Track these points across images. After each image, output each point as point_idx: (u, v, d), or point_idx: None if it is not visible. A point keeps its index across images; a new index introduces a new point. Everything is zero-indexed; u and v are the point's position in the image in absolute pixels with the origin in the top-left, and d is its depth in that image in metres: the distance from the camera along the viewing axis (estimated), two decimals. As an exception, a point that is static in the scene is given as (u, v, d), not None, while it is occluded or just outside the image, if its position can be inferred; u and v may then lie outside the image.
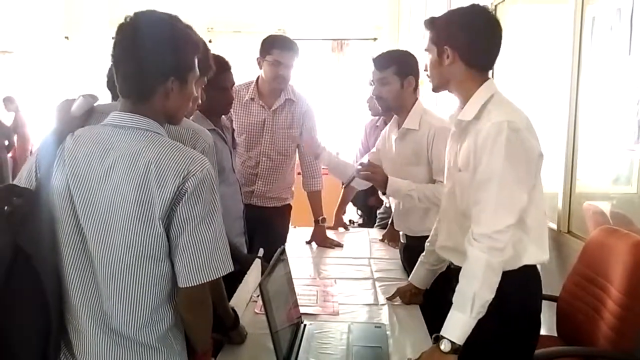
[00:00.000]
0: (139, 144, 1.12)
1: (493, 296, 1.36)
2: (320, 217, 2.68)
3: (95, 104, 1.37)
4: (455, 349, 1.34)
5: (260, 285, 1.27)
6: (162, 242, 1.11)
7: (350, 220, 4.53)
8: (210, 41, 6.01)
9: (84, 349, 1.14)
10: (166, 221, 1.10)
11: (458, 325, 1.36)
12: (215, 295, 1.41)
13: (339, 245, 2.61)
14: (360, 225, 3.93)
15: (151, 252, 1.11)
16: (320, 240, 2.63)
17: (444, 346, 1.34)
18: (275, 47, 2.46)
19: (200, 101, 1.57)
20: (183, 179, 1.09)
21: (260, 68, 2.54)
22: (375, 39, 6.14)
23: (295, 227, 2.93)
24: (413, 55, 2.18)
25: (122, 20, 1.15)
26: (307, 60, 6.41)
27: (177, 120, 1.24)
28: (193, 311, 1.17)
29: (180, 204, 1.09)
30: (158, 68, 1.13)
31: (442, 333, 1.37)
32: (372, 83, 2.18)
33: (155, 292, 1.13)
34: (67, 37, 5.80)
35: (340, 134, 5.97)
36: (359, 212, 4.20)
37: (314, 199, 2.71)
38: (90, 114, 1.36)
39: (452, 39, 1.48)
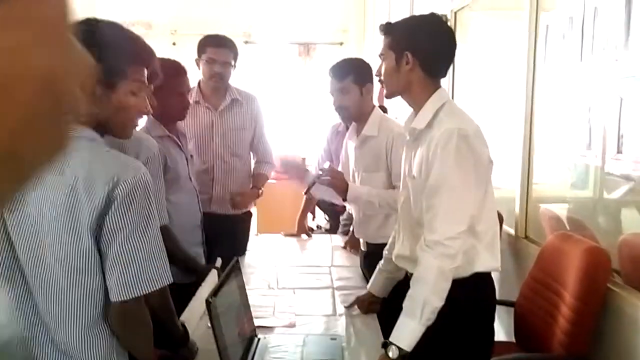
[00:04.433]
0: (68, 150, 1.06)
1: (443, 303, 1.36)
2: (260, 186, 2.63)
3: None
4: (402, 355, 1.33)
5: (206, 302, 1.23)
6: (93, 255, 1.06)
7: (317, 226, 4.52)
8: (174, 44, 5.92)
9: None
10: (97, 231, 1.05)
11: (407, 331, 1.36)
12: (163, 309, 1.36)
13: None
14: (327, 231, 3.91)
15: (82, 265, 1.06)
16: (243, 197, 2.56)
17: (392, 353, 1.34)
18: (208, 45, 2.46)
19: (150, 109, 1.52)
20: (113, 185, 1.04)
21: (199, 69, 2.52)
22: (341, 44, 6.15)
23: (257, 234, 2.89)
24: (367, 63, 2.19)
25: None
26: (273, 63, 6.39)
27: (118, 131, 1.19)
28: (128, 327, 1.12)
29: (110, 212, 1.04)
30: None
31: (390, 339, 1.36)
32: (332, 94, 2.17)
33: (90, 308, 1.08)
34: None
35: (307, 138, 5.95)
36: (326, 217, 4.19)
37: (260, 177, 2.66)
38: None
39: (415, 45, 1.48)
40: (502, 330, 2.19)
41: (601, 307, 1.68)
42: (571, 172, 2.16)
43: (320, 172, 2.09)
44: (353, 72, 2.08)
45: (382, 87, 1.58)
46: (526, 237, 2.26)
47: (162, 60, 1.86)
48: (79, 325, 1.08)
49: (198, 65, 2.51)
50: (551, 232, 2.06)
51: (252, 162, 2.70)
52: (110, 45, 1.10)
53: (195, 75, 2.31)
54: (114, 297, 1.07)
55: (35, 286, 1.07)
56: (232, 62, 2.49)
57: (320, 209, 4.05)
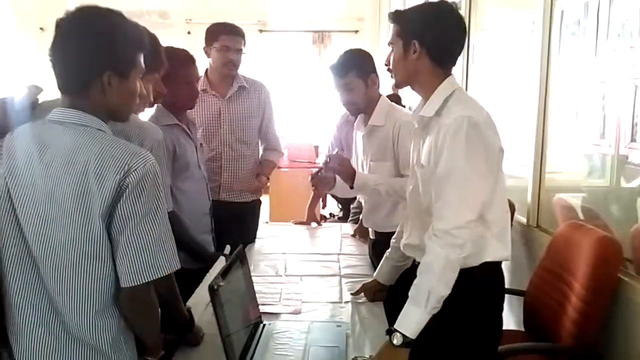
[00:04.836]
0: (78, 140, 1.09)
1: (449, 292, 1.35)
2: (266, 173, 2.65)
3: (39, 96, 1.33)
4: (406, 342, 1.33)
5: (209, 288, 1.24)
6: (104, 242, 1.08)
7: (330, 214, 4.52)
8: (189, 32, 5.95)
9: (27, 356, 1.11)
10: (107, 219, 1.07)
11: (411, 319, 1.35)
12: (169, 295, 1.38)
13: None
14: (340, 219, 3.92)
15: (92, 251, 1.08)
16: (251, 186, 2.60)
17: (396, 340, 1.34)
18: (222, 33, 2.46)
19: (152, 98, 1.54)
20: (124, 174, 1.06)
21: (208, 57, 2.52)
22: (356, 32, 6.11)
23: (268, 223, 2.90)
24: (368, 53, 2.16)
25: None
26: (288, 52, 6.37)
27: (122, 116, 1.20)
28: (137, 312, 1.14)
29: (122, 201, 1.06)
30: (90, 61, 1.10)
31: (395, 326, 1.36)
32: (337, 90, 2.14)
33: (99, 293, 1.10)
34: (42, 29, 5.69)
35: (321, 126, 5.94)
36: (339, 205, 4.19)
37: (267, 163, 2.67)
38: (34, 107, 1.32)
39: (422, 33, 1.45)
40: (511, 319, 2.18)
41: (611, 297, 1.65)
42: (584, 161, 2.12)
43: (328, 160, 2.08)
44: (355, 66, 2.05)
45: (391, 76, 1.56)
46: (538, 226, 2.23)
47: (172, 49, 1.87)
48: (89, 310, 1.10)
49: (207, 53, 2.50)
50: (564, 221, 2.03)
51: (261, 149, 2.70)
52: (121, 35, 1.11)
53: (202, 64, 2.30)
54: (124, 283, 1.09)
55: (45, 272, 1.09)
56: (243, 49, 2.49)
57: (333, 197, 4.05)
